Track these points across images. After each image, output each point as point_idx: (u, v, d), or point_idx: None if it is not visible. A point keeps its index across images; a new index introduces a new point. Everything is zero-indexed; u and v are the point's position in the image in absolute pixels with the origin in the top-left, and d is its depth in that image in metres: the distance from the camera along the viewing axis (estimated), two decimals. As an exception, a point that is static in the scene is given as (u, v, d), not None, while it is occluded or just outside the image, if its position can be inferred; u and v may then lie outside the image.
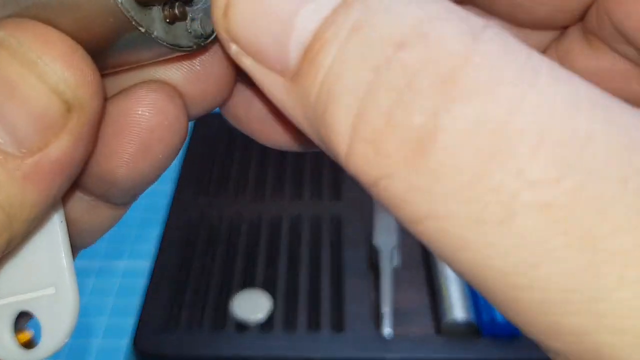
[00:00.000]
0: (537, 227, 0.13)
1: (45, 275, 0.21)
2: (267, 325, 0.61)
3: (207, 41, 0.20)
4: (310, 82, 0.16)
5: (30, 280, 0.21)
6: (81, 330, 0.67)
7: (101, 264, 0.74)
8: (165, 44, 0.19)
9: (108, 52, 0.19)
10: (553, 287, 0.13)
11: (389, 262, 0.65)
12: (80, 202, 0.23)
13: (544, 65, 0.14)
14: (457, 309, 0.60)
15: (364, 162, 0.15)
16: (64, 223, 0.22)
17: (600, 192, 0.13)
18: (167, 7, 0.20)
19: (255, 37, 0.17)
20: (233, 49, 0.18)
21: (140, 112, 0.21)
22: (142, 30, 0.19)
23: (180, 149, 0.22)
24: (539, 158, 0.13)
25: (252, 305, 0.63)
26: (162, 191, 0.79)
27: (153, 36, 0.19)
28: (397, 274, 0.65)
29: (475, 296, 0.62)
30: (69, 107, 0.18)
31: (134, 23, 0.19)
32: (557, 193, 0.13)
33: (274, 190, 0.77)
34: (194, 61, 0.22)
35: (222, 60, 0.22)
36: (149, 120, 0.21)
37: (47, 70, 0.18)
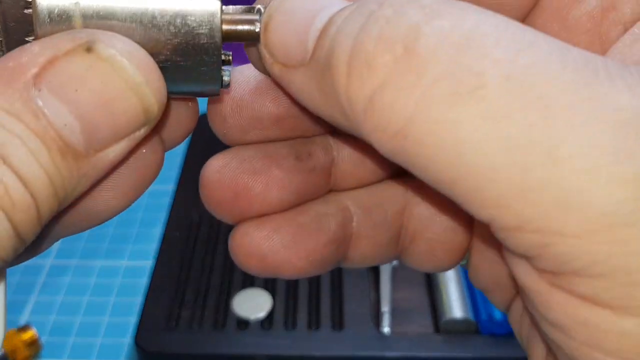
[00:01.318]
0: (501, 93, 0.16)
1: None
2: (267, 323, 0.62)
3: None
4: (320, 50, 0.20)
5: None
6: (83, 328, 0.67)
7: (103, 263, 0.74)
8: (220, 79, 0.22)
9: (173, 80, 0.21)
10: (517, 142, 0.16)
11: (388, 261, 0.66)
12: None
13: (498, 14, 0.18)
14: (456, 308, 0.61)
15: (359, 83, 0.18)
16: (5, 275, 0.22)
17: (546, 67, 0.16)
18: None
19: (285, 44, 0.21)
20: (268, 60, 0.21)
21: (144, 151, 0.23)
22: (222, 60, 0.21)
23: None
24: (499, 48, 0.17)
25: (252, 304, 0.63)
26: (163, 191, 0.80)
27: (219, 72, 0.22)
28: (396, 272, 0.66)
29: (473, 295, 0.62)
30: (146, 122, 0.20)
31: (222, 58, 0.21)
32: (515, 67, 0.16)
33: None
34: (179, 109, 0.24)
35: (187, 106, 0.25)
36: (149, 157, 0.23)
37: (148, 94, 0.20)
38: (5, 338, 0.62)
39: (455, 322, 0.60)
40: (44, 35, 0.20)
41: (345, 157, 0.26)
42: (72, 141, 0.19)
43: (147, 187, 0.24)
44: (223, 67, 0.23)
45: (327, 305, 0.63)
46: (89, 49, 0.19)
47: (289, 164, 0.25)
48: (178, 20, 0.20)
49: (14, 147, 0.18)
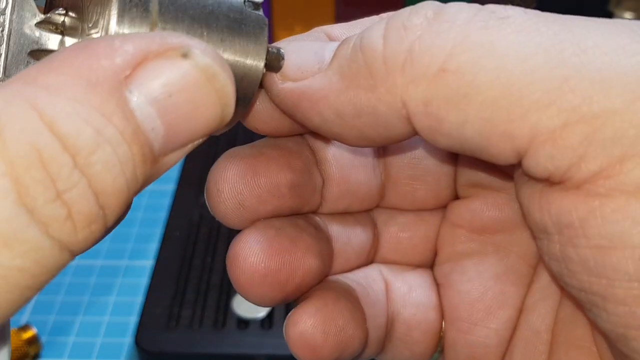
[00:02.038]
0: (524, 18, 0.19)
1: None
2: (267, 323, 0.62)
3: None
4: (343, 48, 0.21)
5: None
6: (84, 328, 0.68)
7: (103, 263, 0.74)
8: (252, 96, 0.23)
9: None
10: (546, 45, 0.18)
11: (388, 260, 0.66)
12: None
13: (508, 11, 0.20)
14: (456, 307, 0.61)
15: (397, 40, 0.20)
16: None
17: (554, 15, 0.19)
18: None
19: (298, 59, 0.22)
20: (277, 81, 0.22)
21: None
22: (263, 72, 0.23)
23: None
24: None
25: (252, 304, 0.63)
26: (164, 191, 0.80)
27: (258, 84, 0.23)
28: (396, 272, 0.66)
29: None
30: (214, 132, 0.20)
31: (265, 65, 0.23)
32: (532, 11, 0.19)
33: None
34: None
35: None
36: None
37: (230, 105, 0.20)
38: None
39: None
40: (120, 31, 0.19)
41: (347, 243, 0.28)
42: (154, 146, 0.18)
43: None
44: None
45: (327, 304, 0.63)
46: (185, 54, 0.18)
47: (312, 231, 0.26)
48: (235, 25, 0.21)
49: (103, 153, 0.17)
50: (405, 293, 0.28)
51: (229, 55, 0.21)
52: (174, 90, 0.18)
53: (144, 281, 0.71)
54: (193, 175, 0.78)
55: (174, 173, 0.80)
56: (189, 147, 0.20)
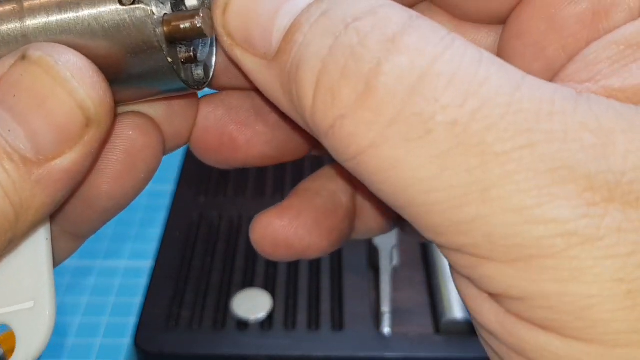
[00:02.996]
0: (446, 138, 0.18)
1: (26, 290, 0.22)
2: (267, 324, 0.62)
3: (204, 85, 0.24)
4: (286, 56, 0.21)
5: (10, 294, 0.22)
6: (83, 329, 0.67)
7: (102, 264, 0.74)
8: (182, 79, 0.22)
9: (126, 82, 0.22)
10: (455, 183, 0.18)
11: (388, 261, 0.66)
12: None
13: (459, 38, 0.19)
14: (456, 308, 0.61)
15: (324, 108, 0.19)
16: (50, 240, 0.23)
17: (490, 112, 0.18)
18: (184, 49, 0.23)
19: (246, 29, 0.21)
20: (227, 42, 0.22)
21: (131, 133, 0.24)
22: (170, 61, 0.22)
23: (153, 176, 0.25)
24: (450, 91, 0.18)
25: (252, 304, 0.63)
26: (163, 191, 0.79)
27: (175, 68, 0.22)
28: (396, 273, 0.66)
29: (474, 295, 0.62)
30: (88, 122, 0.21)
31: (165, 54, 0.21)
32: (461, 113, 0.18)
33: (274, 190, 0.77)
34: (173, 102, 0.25)
35: (190, 106, 0.26)
36: (138, 141, 0.24)
37: (77, 87, 0.20)
38: (4, 338, 0.62)
39: (456, 322, 0.60)
40: (4, 54, 0.21)
41: None
42: (19, 146, 0.20)
43: (144, 174, 0.25)
44: (194, 63, 0.23)
45: (327, 305, 0.63)
46: (23, 57, 0.20)
47: (274, 119, 0.26)
48: (113, 30, 0.21)
49: None
50: None
51: (113, 56, 0.21)
52: (15, 90, 0.20)
53: (143, 282, 0.70)
54: (193, 175, 0.78)
55: (173, 173, 0.79)
56: (81, 148, 0.21)
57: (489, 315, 0.20)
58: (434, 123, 0.18)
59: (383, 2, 0.20)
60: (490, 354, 0.21)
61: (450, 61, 0.19)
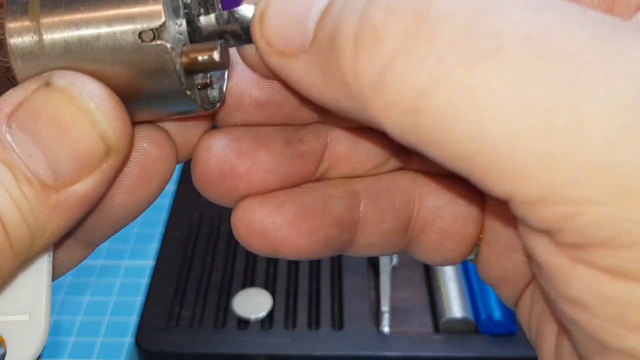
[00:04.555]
0: (519, 55, 0.15)
1: (23, 303, 0.22)
2: (267, 323, 0.62)
3: (217, 106, 0.24)
4: (322, 32, 0.19)
5: (7, 304, 0.22)
6: (84, 327, 0.68)
7: (104, 263, 0.75)
8: (197, 104, 0.23)
9: (141, 107, 0.23)
10: (542, 105, 0.15)
11: (388, 260, 0.66)
12: (59, 241, 0.25)
13: None
14: (455, 307, 0.61)
15: (367, 57, 0.17)
16: (52, 257, 0.23)
17: (565, 27, 0.16)
18: (201, 77, 0.23)
19: (284, 29, 0.20)
20: (266, 50, 0.21)
21: (146, 146, 0.24)
22: (188, 94, 0.22)
23: (165, 186, 0.26)
24: (517, 6, 0.16)
25: (252, 304, 0.63)
26: (164, 191, 0.80)
27: (192, 99, 0.22)
28: (395, 272, 0.66)
29: (473, 295, 0.63)
30: (108, 152, 0.21)
31: (183, 87, 0.22)
32: (533, 27, 0.16)
33: (274, 190, 0.77)
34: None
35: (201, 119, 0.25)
36: (152, 153, 0.24)
37: (100, 118, 0.21)
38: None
39: (455, 321, 0.60)
40: (21, 70, 0.22)
41: (340, 142, 0.26)
42: (39, 172, 0.20)
43: (158, 185, 0.25)
44: (211, 87, 0.23)
45: (327, 305, 0.63)
46: (47, 83, 0.21)
47: (277, 147, 0.25)
48: (132, 63, 0.21)
49: None
50: (444, 204, 0.27)
51: (131, 83, 0.22)
52: (38, 116, 0.20)
53: (144, 281, 0.71)
54: (193, 175, 0.78)
55: (173, 174, 0.80)
56: (99, 175, 0.21)
57: (582, 282, 0.16)
58: (503, 39, 0.15)
59: None
60: (576, 338, 0.17)
61: None
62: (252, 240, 0.25)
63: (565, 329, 0.20)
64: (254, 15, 0.21)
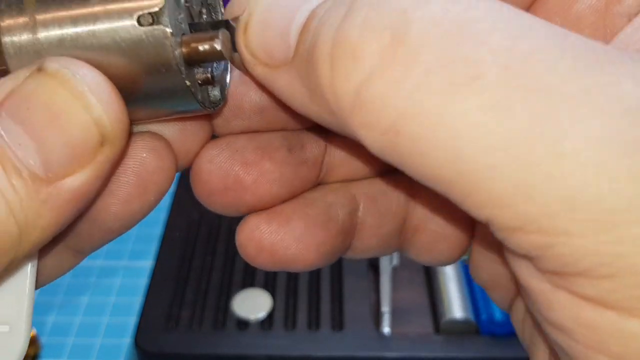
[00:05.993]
0: (500, 84, 0.15)
1: (4, 314, 0.22)
2: (267, 323, 0.62)
3: (219, 106, 0.23)
4: (302, 45, 0.19)
5: None
6: (83, 328, 0.67)
7: (103, 264, 0.74)
8: (199, 101, 0.22)
9: (141, 102, 0.22)
10: (520, 136, 0.15)
11: (388, 261, 0.66)
12: (48, 246, 0.24)
13: None
14: (456, 308, 0.61)
15: (345, 73, 0.17)
16: (35, 267, 0.22)
17: (545, 55, 0.15)
18: (202, 71, 0.22)
19: (266, 41, 0.20)
20: (250, 62, 0.21)
21: (144, 156, 0.23)
22: (188, 84, 0.21)
23: (162, 198, 0.25)
24: (496, 33, 0.16)
25: (252, 304, 0.63)
26: (163, 191, 0.80)
27: (193, 93, 0.21)
28: (396, 273, 0.66)
29: (473, 295, 0.62)
30: (103, 141, 0.20)
31: (183, 76, 0.21)
32: (512, 56, 0.15)
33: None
34: (186, 122, 0.24)
35: (200, 125, 0.25)
36: (151, 164, 0.23)
37: (94, 103, 0.19)
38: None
39: (455, 322, 0.60)
40: (16, 68, 0.21)
41: (338, 147, 0.26)
42: (29, 161, 0.19)
43: (155, 196, 0.24)
44: (212, 85, 0.23)
45: (327, 305, 0.63)
46: (39, 69, 0.20)
47: (281, 156, 0.25)
48: (130, 50, 0.20)
49: None
50: (437, 208, 0.27)
51: (129, 74, 0.21)
52: (30, 102, 0.19)
53: (143, 282, 0.70)
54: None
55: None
56: (93, 168, 0.20)
57: (563, 307, 0.16)
58: (483, 66, 0.15)
59: None
60: (560, 354, 0.18)
61: (488, 9, 0.16)
62: (262, 259, 0.25)
63: (552, 348, 0.20)
64: (237, 26, 0.21)
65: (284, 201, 0.25)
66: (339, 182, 0.27)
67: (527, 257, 0.17)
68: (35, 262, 0.22)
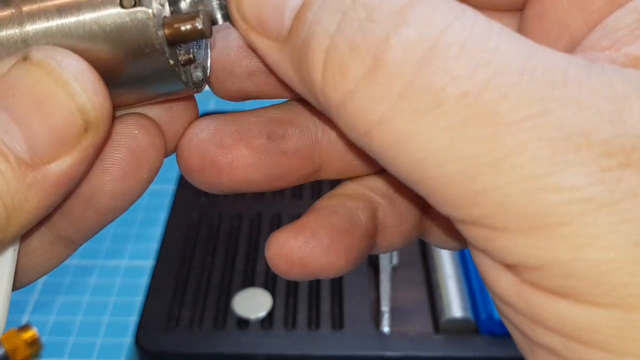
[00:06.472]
0: (457, 110, 0.18)
1: None
2: (267, 323, 0.62)
3: (202, 86, 0.24)
4: (297, 34, 0.21)
5: None
6: (84, 328, 0.68)
7: (103, 263, 0.75)
8: (183, 81, 0.22)
9: (127, 85, 0.22)
10: (469, 154, 0.18)
11: (388, 260, 0.66)
12: (39, 236, 0.25)
13: (469, 8, 0.19)
14: (455, 307, 0.61)
15: (333, 84, 0.20)
16: (17, 252, 0.22)
17: (501, 82, 0.18)
18: (184, 51, 0.23)
19: (259, 12, 0.22)
20: (242, 26, 0.22)
21: (136, 132, 0.24)
22: (172, 63, 0.22)
23: (154, 177, 0.25)
24: (460, 62, 0.18)
25: (252, 304, 0.63)
26: (164, 191, 0.80)
27: (176, 70, 0.22)
28: (395, 272, 0.66)
29: (473, 294, 0.63)
30: (87, 127, 0.21)
31: (167, 56, 0.21)
32: (472, 84, 0.18)
33: (273, 191, 0.77)
34: (173, 105, 0.25)
35: (188, 108, 0.26)
36: (143, 140, 0.24)
37: (78, 91, 0.20)
38: (6, 338, 0.62)
39: (455, 321, 0.60)
40: (3, 58, 0.21)
41: (332, 141, 0.27)
42: (15, 147, 0.20)
43: (149, 173, 0.25)
44: (193, 65, 0.23)
45: (327, 305, 0.63)
46: (24, 58, 0.20)
47: (258, 143, 0.26)
48: (114, 33, 0.21)
49: None
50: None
51: (114, 59, 0.21)
52: (15, 90, 0.20)
53: (144, 281, 0.71)
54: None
55: (173, 173, 0.80)
56: (78, 153, 0.21)
57: (506, 286, 0.20)
58: (444, 95, 0.18)
59: None
60: (507, 325, 0.21)
61: (460, 31, 0.18)
62: (294, 273, 0.26)
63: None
64: (202, 18, 0.22)
65: (266, 188, 0.27)
66: (335, 177, 0.28)
67: (482, 250, 0.20)
68: (17, 246, 0.22)
